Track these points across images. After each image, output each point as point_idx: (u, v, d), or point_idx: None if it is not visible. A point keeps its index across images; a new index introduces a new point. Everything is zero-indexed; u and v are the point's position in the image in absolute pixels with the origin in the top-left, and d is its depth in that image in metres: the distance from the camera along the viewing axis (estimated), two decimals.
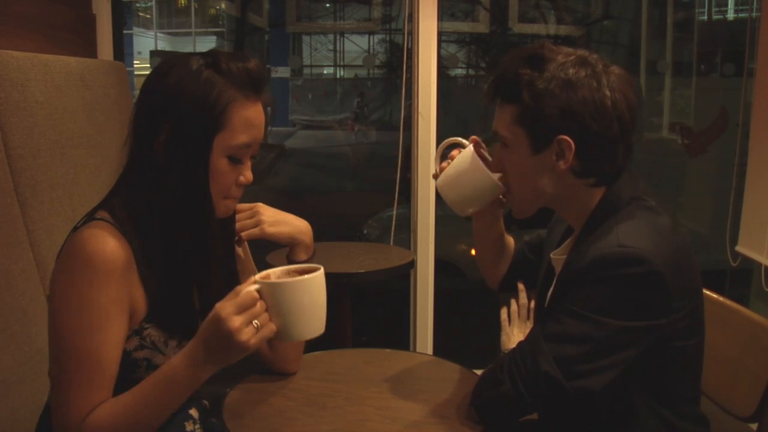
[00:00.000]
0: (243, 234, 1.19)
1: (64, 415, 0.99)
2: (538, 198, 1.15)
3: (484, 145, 1.26)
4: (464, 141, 1.25)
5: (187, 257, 1.05)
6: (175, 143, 1.01)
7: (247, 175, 1.07)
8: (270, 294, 0.95)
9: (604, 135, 1.08)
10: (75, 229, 1.03)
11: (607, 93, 1.07)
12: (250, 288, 0.95)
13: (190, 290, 1.08)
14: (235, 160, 1.04)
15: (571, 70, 1.07)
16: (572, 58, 1.08)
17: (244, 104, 1.03)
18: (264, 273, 1.01)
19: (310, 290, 0.97)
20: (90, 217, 1.04)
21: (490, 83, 1.15)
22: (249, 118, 1.03)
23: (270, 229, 1.20)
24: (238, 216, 1.18)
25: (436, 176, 1.27)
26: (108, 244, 0.98)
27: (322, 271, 0.99)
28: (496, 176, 1.18)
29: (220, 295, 1.12)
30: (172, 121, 1.00)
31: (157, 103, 1.02)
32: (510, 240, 1.44)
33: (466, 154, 1.22)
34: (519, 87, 1.08)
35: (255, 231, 1.19)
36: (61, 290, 0.99)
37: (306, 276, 0.97)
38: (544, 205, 1.17)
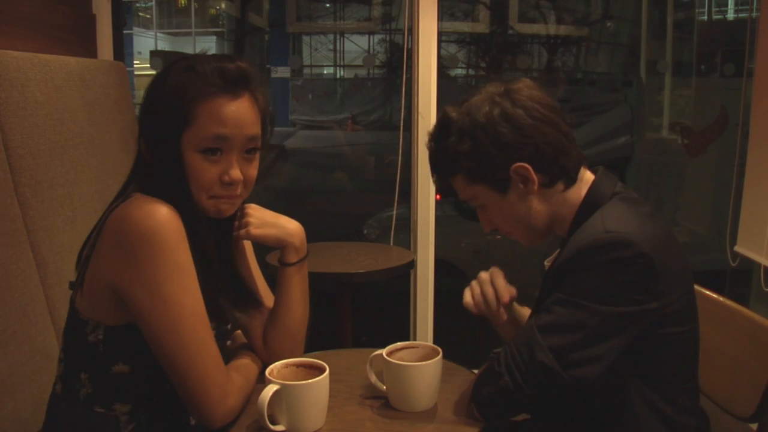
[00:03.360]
0: (237, 237, 1.20)
1: (210, 397, 1.01)
2: (534, 225, 1.19)
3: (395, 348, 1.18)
4: (382, 352, 1.14)
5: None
6: (151, 141, 1.06)
7: (231, 173, 1.06)
8: (286, 393, 1.03)
9: (544, 142, 1.13)
10: (110, 210, 1.05)
11: (518, 110, 1.12)
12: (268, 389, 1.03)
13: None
14: (208, 154, 1.05)
15: (476, 115, 1.13)
16: (474, 101, 1.15)
17: (214, 99, 1.04)
18: (268, 369, 1.07)
19: (323, 388, 1.06)
20: (114, 203, 1.07)
21: (433, 170, 1.23)
22: (218, 112, 1.04)
23: (255, 231, 1.19)
24: None
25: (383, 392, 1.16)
26: (162, 206, 1.00)
27: (327, 372, 1.06)
28: (434, 360, 1.10)
29: (220, 290, 1.14)
30: (148, 122, 1.06)
31: (144, 103, 1.08)
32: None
33: (398, 370, 1.11)
34: (451, 158, 1.15)
35: (240, 233, 1.19)
36: (149, 270, 0.98)
37: (319, 378, 1.04)
38: (546, 228, 1.20)
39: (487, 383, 1.08)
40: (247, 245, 1.29)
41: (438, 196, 2.57)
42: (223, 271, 1.17)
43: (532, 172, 1.13)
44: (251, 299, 1.23)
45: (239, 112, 1.06)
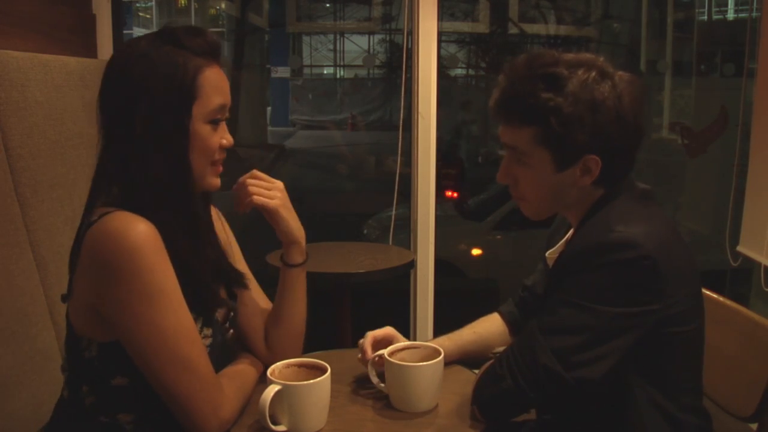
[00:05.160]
0: (256, 199, 1.16)
1: (201, 413, 1.00)
2: (554, 206, 1.16)
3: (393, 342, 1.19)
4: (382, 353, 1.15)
5: (181, 234, 1.06)
6: (156, 121, 1.03)
7: (227, 137, 1.11)
8: (287, 393, 1.02)
9: (627, 147, 1.09)
10: (83, 231, 1.02)
11: (627, 105, 1.06)
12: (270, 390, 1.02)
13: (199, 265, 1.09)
14: (215, 123, 1.08)
15: (595, 87, 1.05)
16: (593, 74, 1.05)
17: (210, 69, 1.06)
18: (270, 369, 1.07)
19: (324, 389, 1.05)
20: (92, 216, 1.03)
21: (502, 103, 1.11)
22: (217, 81, 1.07)
23: (283, 211, 1.18)
24: (257, 182, 1.17)
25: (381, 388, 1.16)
26: (139, 224, 0.98)
27: (329, 372, 1.05)
28: (436, 360, 1.11)
29: (211, 265, 1.14)
30: (145, 102, 1.02)
31: (126, 90, 1.04)
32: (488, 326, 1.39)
33: (399, 371, 1.11)
34: (544, 112, 1.05)
35: (271, 203, 1.16)
36: (125, 294, 0.97)
37: (321, 378, 1.04)
38: (558, 210, 1.18)
39: (488, 385, 1.08)
40: (231, 238, 1.28)
41: (454, 194, 2.56)
42: (213, 260, 1.16)
43: (599, 169, 1.08)
44: (240, 280, 1.22)
45: (226, 80, 1.10)
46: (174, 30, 1.06)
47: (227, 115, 1.11)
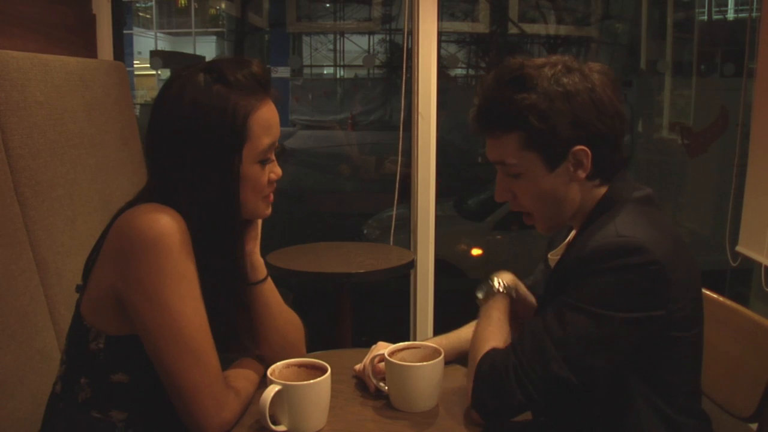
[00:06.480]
0: None
1: (205, 409, 1.00)
2: (561, 212, 1.15)
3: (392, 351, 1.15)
4: (382, 353, 1.15)
5: (220, 269, 1.07)
6: (206, 166, 1.03)
7: (276, 170, 1.12)
8: (288, 394, 1.03)
9: (611, 134, 1.10)
10: (115, 218, 1.04)
11: (601, 91, 1.08)
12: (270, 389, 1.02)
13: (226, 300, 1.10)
14: (265, 162, 1.09)
15: (564, 79, 1.07)
16: (559, 67, 1.08)
17: (260, 108, 1.06)
18: (270, 369, 1.07)
19: (324, 389, 1.06)
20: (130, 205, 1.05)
21: (480, 116, 1.13)
22: (267, 120, 1.07)
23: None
24: None
25: (377, 390, 1.17)
26: (168, 212, 1.00)
27: (329, 372, 1.05)
28: (436, 360, 1.11)
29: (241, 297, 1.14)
30: (196, 147, 1.03)
31: (176, 133, 1.04)
32: None
33: (399, 371, 1.11)
34: (521, 113, 1.06)
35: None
36: (147, 275, 0.98)
37: (321, 378, 1.04)
38: (568, 218, 1.16)
39: (494, 397, 1.05)
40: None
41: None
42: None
43: (589, 160, 1.09)
44: (239, 341, 1.18)
45: (276, 114, 1.09)
46: (221, 67, 1.05)
47: (277, 145, 1.11)
